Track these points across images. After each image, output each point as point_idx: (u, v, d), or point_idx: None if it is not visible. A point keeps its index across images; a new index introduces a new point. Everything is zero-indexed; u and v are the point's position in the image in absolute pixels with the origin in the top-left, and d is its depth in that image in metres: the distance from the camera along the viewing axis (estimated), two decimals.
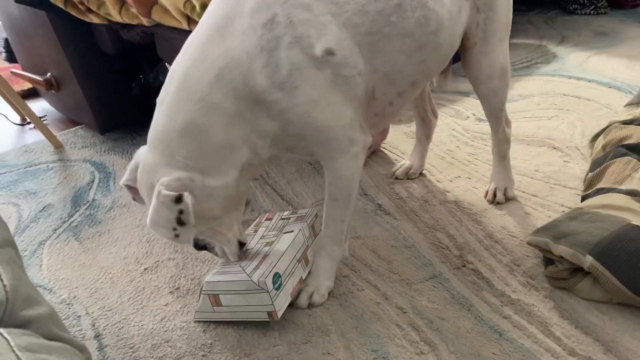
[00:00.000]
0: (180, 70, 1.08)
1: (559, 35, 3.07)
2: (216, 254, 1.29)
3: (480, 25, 1.35)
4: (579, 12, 3.41)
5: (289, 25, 1.04)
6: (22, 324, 0.52)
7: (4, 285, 0.53)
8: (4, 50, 2.90)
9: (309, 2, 1.06)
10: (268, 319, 1.20)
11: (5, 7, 2.34)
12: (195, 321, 1.29)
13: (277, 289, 1.19)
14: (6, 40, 2.79)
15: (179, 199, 1.04)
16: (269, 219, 1.44)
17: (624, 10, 3.43)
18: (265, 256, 1.25)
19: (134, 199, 1.20)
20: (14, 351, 0.45)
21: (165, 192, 1.05)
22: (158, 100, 1.12)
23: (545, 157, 1.82)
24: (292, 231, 1.32)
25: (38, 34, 2.18)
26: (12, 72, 2.61)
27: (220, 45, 1.05)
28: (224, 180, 1.12)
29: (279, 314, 1.19)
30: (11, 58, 2.84)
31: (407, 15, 1.16)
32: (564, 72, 2.53)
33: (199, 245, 1.24)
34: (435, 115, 1.79)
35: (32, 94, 2.96)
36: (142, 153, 1.15)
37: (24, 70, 2.62)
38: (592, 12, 3.39)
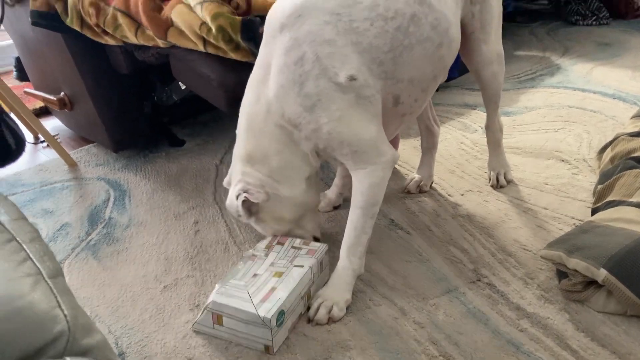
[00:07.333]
0: (245, 111, 1.37)
1: (562, 47, 3.10)
2: None
3: (475, 15, 1.51)
4: (581, 23, 3.45)
5: (316, 60, 1.22)
6: (84, 353, 0.55)
7: (65, 315, 0.55)
8: (15, 69, 2.92)
9: (333, 37, 1.21)
10: (264, 351, 1.25)
11: (18, 27, 2.37)
12: (192, 330, 1.34)
13: (279, 326, 1.24)
14: (17, 59, 2.81)
15: (237, 197, 1.36)
16: (281, 244, 1.45)
17: (625, 20, 3.47)
18: (273, 289, 1.29)
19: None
20: None
21: (236, 188, 1.38)
22: (237, 132, 1.40)
23: (553, 169, 1.85)
24: (302, 266, 1.36)
25: (52, 54, 2.21)
26: (25, 92, 2.64)
27: (265, 84, 1.29)
28: (293, 192, 1.39)
29: (275, 349, 1.24)
30: (22, 77, 2.87)
31: (422, 22, 1.28)
32: (568, 84, 2.56)
33: None
34: (437, 124, 1.85)
35: (43, 112, 2.99)
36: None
37: (36, 89, 2.65)
38: (593, 22, 3.42)
